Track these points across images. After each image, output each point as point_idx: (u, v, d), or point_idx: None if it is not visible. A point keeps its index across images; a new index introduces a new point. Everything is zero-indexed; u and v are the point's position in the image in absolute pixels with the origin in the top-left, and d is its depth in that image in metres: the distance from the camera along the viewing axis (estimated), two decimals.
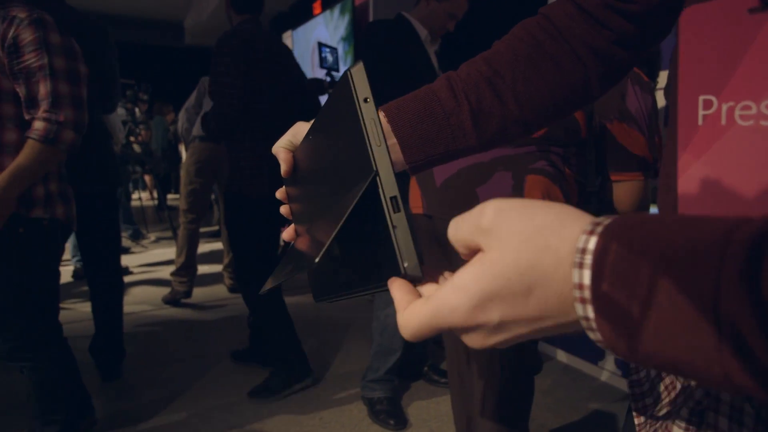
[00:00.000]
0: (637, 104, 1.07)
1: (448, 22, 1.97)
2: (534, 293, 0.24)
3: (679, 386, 0.39)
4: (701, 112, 0.21)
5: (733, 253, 0.19)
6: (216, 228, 5.37)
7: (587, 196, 1.14)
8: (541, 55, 0.50)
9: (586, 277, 0.23)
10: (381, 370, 1.90)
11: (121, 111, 4.87)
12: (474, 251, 0.27)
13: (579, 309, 0.23)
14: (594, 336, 0.24)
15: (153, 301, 3.18)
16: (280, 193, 0.51)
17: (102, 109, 2.10)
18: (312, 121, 0.45)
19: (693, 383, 0.38)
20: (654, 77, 1.31)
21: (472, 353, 1.06)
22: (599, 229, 0.23)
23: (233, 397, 2.00)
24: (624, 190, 1.15)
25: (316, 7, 5.02)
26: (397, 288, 0.30)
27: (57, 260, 1.49)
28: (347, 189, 0.33)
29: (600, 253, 0.22)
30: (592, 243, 0.23)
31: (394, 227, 0.29)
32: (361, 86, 0.31)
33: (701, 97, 0.21)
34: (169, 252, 4.61)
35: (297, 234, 0.48)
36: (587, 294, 0.23)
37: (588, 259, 0.23)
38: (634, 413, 0.43)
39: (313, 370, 2.12)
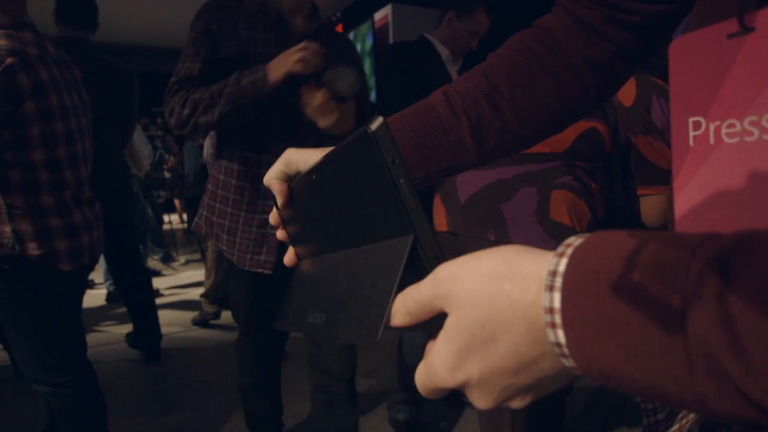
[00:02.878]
0: (662, 117, 1.06)
1: (470, 41, 1.97)
2: (500, 340, 0.25)
3: None
4: (692, 133, 0.22)
5: (699, 269, 0.18)
6: None
7: (614, 211, 1.13)
8: (539, 69, 0.49)
9: (557, 300, 0.22)
10: (408, 391, 1.88)
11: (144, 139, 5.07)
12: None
13: (550, 335, 0.23)
14: (567, 363, 0.23)
15: (183, 322, 3.24)
16: (273, 219, 0.50)
17: (122, 146, 2.42)
18: (315, 156, 0.44)
19: None
20: None
21: None
22: (569, 251, 0.23)
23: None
24: (651, 204, 1.13)
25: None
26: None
27: (68, 289, 1.43)
28: (375, 238, 0.34)
29: (570, 277, 0.22)
30: (563, 265, 0.23)
31: None
32: (386, 146, 0.30)
33: (691, 119, 0.22)
34: (197, 274, 4.70)
35: (299, 258, 0.48)
36: (558, 318, 0.22)
37: (558, 281, 0.22)
38: (646, 429, 0.43)
39: None
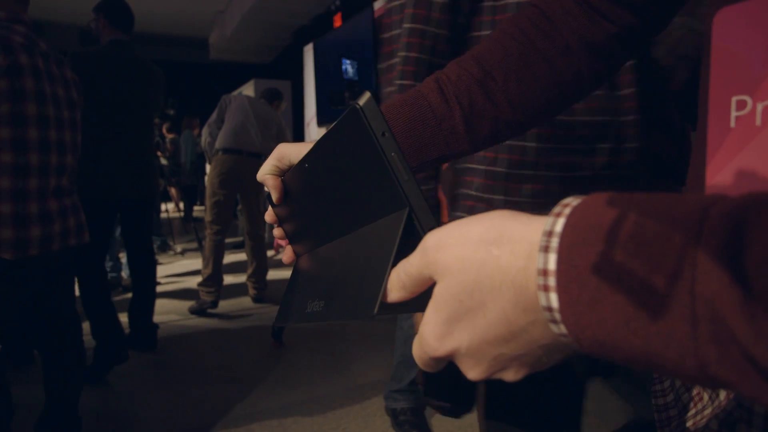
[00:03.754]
0: None
1: None
2: (489, 307, 0.24)
3: (706, 397, 0.38)
4: (734, 114, 0.20)
5: (711, 227, 0.17)
6: (240, 239, 5.45)
7: None
8: (533, 55, 0.48)
9: (552, 261, 0.21)
10: (404, 381, 1.88)
11: None
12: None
13: (542, 299, 0.22)
14: (557, 329, 0.22)
15: (180, 311, 3.24)
16: (269, 217, 0.49)
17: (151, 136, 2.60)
18: (308, 148, 0.43)
19: (721, 394, 0.36)
20: None
21: None
22: (567, 210, 0.22)
23: (257, 406, 2.01)
24: None
25: (337, 20, 5.10)
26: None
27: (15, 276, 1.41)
28: (370, 219, 0.33)
29: (567, 237, 0.21)
30: (560, 225, 0.21)
31: None
32: (376, 120, 0.30)
33: (734, 98, 0.20)
34: (194, 263, 4.70)
35: (296, 255, 0.47)
36: (551, 281, 0.21)
37: (554, 242, 0.21)
38: (657, 424, 0.42)
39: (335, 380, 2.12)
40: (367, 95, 0.31)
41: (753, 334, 0.16)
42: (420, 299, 0.29)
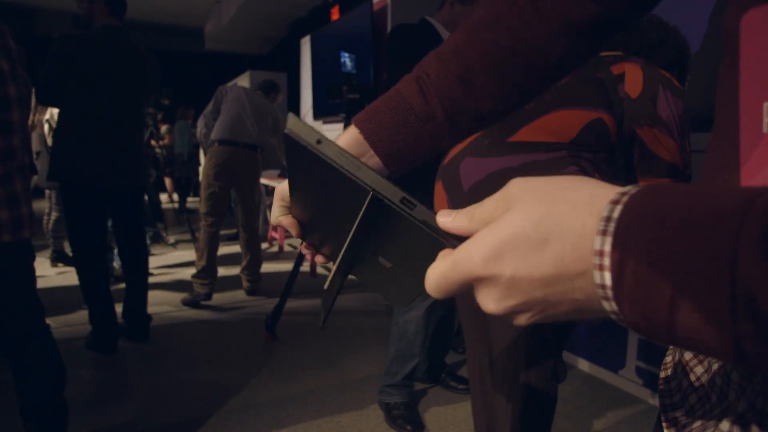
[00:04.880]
0: (668, 110, 1.05)
1: None
2: (550, 244, 0.24)
3: (714, 398, 0.38)
4: (766, 120, 0.21)
5: (754, 217, 0.19)
6: (234, 231, 5.43)
7: None
8: (514, 46, 0.48)
9: (608, 244, 0.23)
10: (399, 376, 1.89)
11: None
12: None
13: (597, 276, 0.23)
14: (609, 306, 0.23)
15: (173, 302, 3.22)
16: (305, 250, 0.52)
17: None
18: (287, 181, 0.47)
19: (731, 395, 0.36)
20: (684, 82, 1.29)
21: (496, 360, 1.05)
22: (625, 198, 0.23)
23: (251, 399, 2.01)
24: None
25: (334, 13, 5.06)
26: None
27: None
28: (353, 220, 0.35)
29: (623, 222, 0.22)
30: (617, 212, 0.23)
31: (422, 221, 0.30)
32: (306, 134, 0.32)
33: (766, 104, 0.20)
34: (188, 254, 4.67)
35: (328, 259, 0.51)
36: (606, 261, 0.23)
37: (611, 227, 0.23)
38: (665, 425, 0.42)
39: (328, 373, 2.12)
40: (290, 117, 0.33)
41: None
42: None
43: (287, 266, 4.09)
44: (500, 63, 0.48)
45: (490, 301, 0.27)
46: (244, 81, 7.17)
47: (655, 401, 2.04)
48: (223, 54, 9.82)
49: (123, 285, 2.53)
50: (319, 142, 0.32)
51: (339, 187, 0.34)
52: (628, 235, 0.22)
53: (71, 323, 2.76)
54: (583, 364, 2.38)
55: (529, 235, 0.25)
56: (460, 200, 1.08)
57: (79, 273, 2.29)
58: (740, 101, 0.22)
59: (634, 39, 1.21)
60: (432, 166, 1.33)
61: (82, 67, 2.13)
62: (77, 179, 2.17)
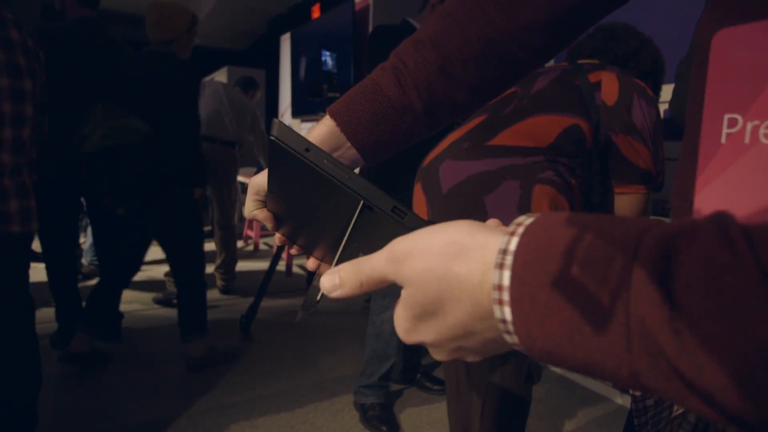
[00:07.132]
0: (642, 118, 1.08)
1: None
2: (449, 314, 0.26)
3: None
4: (725, 131, 0.22)
5: (645, 253, 0.19)
6: (208, 228, 5.34)
7: (591, 207, 1.15)
8: (493, 37, 0.47)
9: (506, 278, 0.23)
10: (374, 376, 1.89)
11: None
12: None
13: (497, 311, 0.24)
14: (510, 339, 0.24)
15: (144, 300, 3.15)
16: (279, 241, 0.51)
17: None
18: (266, 177, 0.46)
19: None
20: (657, 91, 1.33)
21: (471, 363, 1.06)
22: (520, 230, 0.24)
23: (224, 399, 1.98)
24: (626, 202, 1.16)
25: (315, 11, 5.03)
26: None
27: None
28: (346, 223, 0.35)
29: (520, 255, 0.23)
30: (513, 244, 0.24)
31: (413, 230, 0.30)
32: (295, 143, 0.32)
33: (726, 116, 0.22)
34: (160, 252, 4.56)
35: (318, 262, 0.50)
36: (505, 296, 0.23)
37: (509, 260, 0.23)
38: (634, 415, 0.43)
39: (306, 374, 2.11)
40: (276, 123, 0.33)
41: (678, 347, 0.18)
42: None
43: (263, 265, 4.04)
44: (480, 54, 0.48)
45: (434, 355, 0.31)
46: (221, 76, 7.06)
47: (624, 401, 2.09)
48: (200, 48, 9.64)
49: (89, 282, 2.46)
50: (307, 150, 0.32)
51: (327, 193, 0.34)
52: (526, 269, 0.23)
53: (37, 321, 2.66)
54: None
55: (429, 311, 0.27)
56: (438, 202, 1.09)
57: (48, 268, 2.23)
58: (704, 111, 0.23)
59: (610, 48, 1.24)
60: (409, 164, 1.33)
61: (56, 61, 2.07)
62: (51, 172, 2.11)
